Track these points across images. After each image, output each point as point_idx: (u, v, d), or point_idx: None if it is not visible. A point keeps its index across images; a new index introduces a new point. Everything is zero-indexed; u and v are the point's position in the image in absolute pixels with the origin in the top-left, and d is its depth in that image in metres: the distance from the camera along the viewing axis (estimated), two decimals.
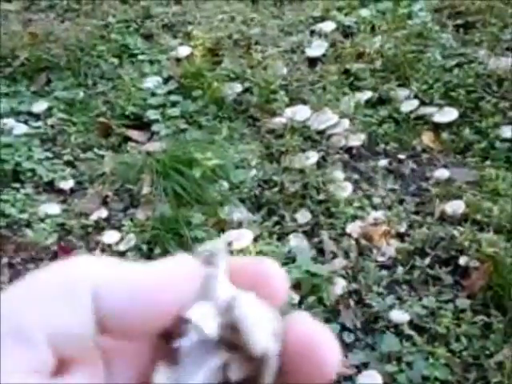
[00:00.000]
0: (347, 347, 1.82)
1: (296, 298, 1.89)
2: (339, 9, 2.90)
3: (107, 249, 2.13)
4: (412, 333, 1.81)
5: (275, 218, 2.14)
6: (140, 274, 0.29)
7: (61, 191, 2.35)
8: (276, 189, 2.22)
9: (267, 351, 0.29)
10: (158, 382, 0.29)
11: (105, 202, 2.29)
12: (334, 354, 0.28)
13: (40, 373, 0.27)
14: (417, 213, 2.14)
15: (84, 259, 0.29)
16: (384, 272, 1.97)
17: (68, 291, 0.28)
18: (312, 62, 2.70)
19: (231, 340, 0.29)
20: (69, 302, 0.28)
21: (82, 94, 2.66)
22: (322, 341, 0.28)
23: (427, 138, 2.38)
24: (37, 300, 0.28)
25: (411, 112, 2.43)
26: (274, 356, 0.29)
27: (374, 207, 2.16)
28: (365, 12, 2.85)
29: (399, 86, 2.53)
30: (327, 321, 1.87)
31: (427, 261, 1.98)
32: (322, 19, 2.86)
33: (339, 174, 2.26)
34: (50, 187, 2.36)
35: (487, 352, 1.75)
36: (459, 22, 2.75)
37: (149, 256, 2.03)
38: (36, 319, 0.27)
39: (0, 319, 0.27)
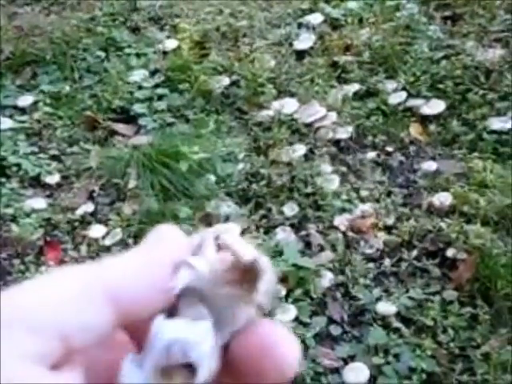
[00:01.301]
0: (334, 340, 1.82)
1: (283, 291, 1.88)
2: (327, 1, 2.89)
3: (93, 243, 2.11)
4: (399, 325, 1.81)
5: (262, 212, 2.13)
6: (143, 263, 0.31)
7: (47, 186, 2.33)
8: (263, 182, 2.21)
9: (258, 259, 0.29)
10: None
11: (91, 197, 2.28)
12: (294, 352, 0.28)
13: (44, 362, 0.28)
14: (404, 205, 2.14)
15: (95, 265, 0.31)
16: (371, 264, 1.97)
17: (84, 290, 0.29)
18: (300, 54, 2.68)
19: (221, 275, 0.30)
20: (85, 300, 0.29)
21: (68, 88, 2.64)
22: (281, 339, 0.28)
23: (415, 130, 2.37)
24: (52, 295, 0.29)
25: (399, 104, 2.42)
26: (268, 269, 0.30)
27: (362, 200, 2.16)
28: (352, 4, 2.84)
29: (387, 78, 2.52)
30: (314, 313, 1.87)
31: (414, 253, 1.98)
32: (310, 11, 2.85)
33: (327, 167, 2.25)
34: (36, 182, 2.34)
35: (474, 343, 1.75)
36: (447, 13, 2.74)
37: None
38: (49, 312, 0.29)
39: (14, 309, 0.28)
